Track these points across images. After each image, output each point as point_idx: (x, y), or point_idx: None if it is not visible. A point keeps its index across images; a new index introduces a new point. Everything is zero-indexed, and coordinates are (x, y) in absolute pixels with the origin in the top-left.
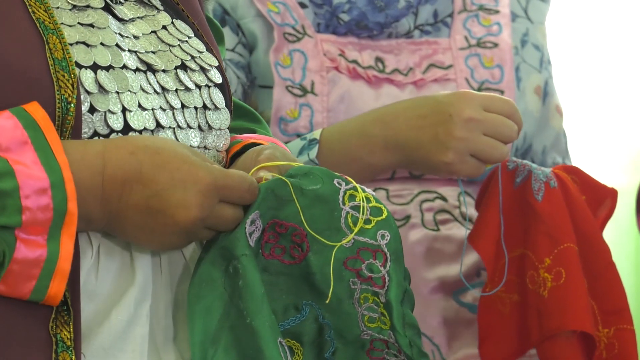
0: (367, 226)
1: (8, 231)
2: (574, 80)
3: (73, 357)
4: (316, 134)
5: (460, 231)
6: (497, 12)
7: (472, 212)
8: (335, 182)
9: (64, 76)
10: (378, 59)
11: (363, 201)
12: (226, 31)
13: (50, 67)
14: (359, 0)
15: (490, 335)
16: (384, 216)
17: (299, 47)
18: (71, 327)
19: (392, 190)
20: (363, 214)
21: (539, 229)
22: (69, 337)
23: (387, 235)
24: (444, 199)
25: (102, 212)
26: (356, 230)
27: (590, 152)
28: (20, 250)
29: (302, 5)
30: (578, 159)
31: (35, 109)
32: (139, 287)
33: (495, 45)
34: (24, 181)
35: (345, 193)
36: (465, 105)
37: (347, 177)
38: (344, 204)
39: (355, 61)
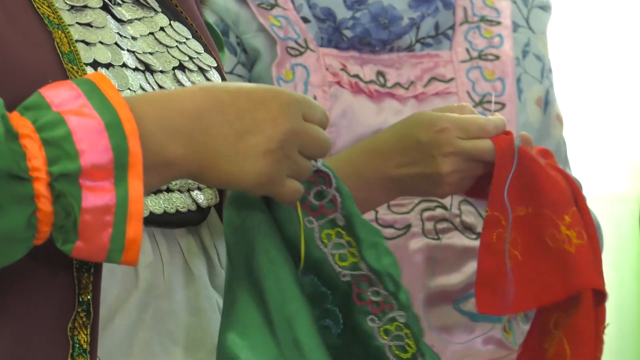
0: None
1: (72, 180)
2: (575, 87)
3: None
4: None
5: (461, 240)
6: (498, 23)
7: (472, 220)
8: None
9: (73, 68)
10: (379, 73)
11: None
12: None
13: (61, 60)
14: (363, 17)
15: (489, 283)
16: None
17: (301, 62)
18: (89, 329)
19: None
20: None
21: (556, 189)
22: (85, 340)
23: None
24: (444, 207)
25: (181, 150)
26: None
27: (592, 159)
28: (87, 199)
29: (305, 20)
30: (579, 166)
31: (89, 75)
32: (142, 291)
33: (497, 57)
34: (75, 126)
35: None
36: (444, 142)
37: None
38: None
39: (357, 75)
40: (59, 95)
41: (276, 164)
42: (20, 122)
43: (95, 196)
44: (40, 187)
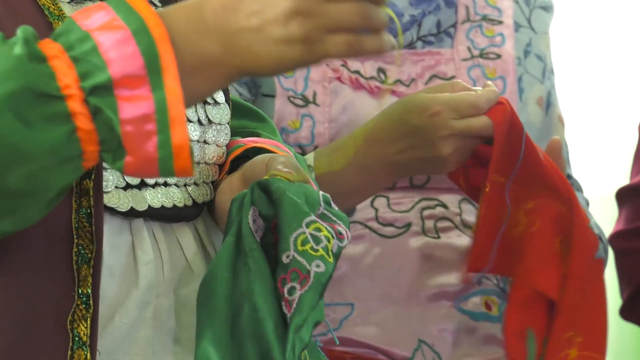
0: (312, 252)
1: (106, 93)
2: (576, 87)
3: (88, 354)
4: (309, 159)
5: (461, 239)
6: (500, 22)
7: (472, 219)
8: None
9: None
10: (380, 70)
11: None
12: None
13: None
14: None
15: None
16: (331, 260)
17: None
18: (89, 322)
19: (392, 197)
20: (318, 243)
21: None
22: (85, 332)
23: (322, 266)
24: (444, 206)
25: (218, 45)
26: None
27: (592, 159)
28: (124, 110)
29: None
30: (579, 166)
31: None
32: (142, 289)
33: (498, 56)
34: (100, 38)
35: (312, 222)
36: (439, 126)
37: (318, 221)
38: (307, 226)
39: (357, 72)
40: (89, 17)
41: (302, 26)
42: (48, 45)
43: (133, 106)
44: (75, 105)
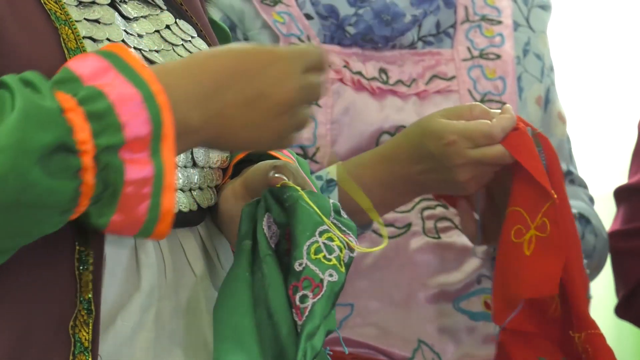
0: (325, 261)
1: (114, 153)
2: (575, 86)
3: (90, 359)
4: (332, 173)
5: (461, 239)
6: (499, 22)
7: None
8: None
9: None
10: (382, 70)
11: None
12: None
13: (67, 57)
14: (365, 14)
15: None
16: (343, 269)
17: None
18: (90, 327)
19: None
20: (330, 253)
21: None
22: (87, 338)
23: (335, 275)
24: (445, 206)
25: (201, 118)
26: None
27: (592, 158)
28: (129, 171)
29: (308, 17)
30: (579, 166)
31: (109, 45)
32: (145, 292)
33: (498, 56)
34: (115, 99)
35: (326, 231)
36: (454, 154)
37: (332, 227)
38: (320, 235)
39: (359, 72)
40: (87, 67)
41: (286, 123)
42: (61, 96)
43: (136, 168)
44: (88, 160)
